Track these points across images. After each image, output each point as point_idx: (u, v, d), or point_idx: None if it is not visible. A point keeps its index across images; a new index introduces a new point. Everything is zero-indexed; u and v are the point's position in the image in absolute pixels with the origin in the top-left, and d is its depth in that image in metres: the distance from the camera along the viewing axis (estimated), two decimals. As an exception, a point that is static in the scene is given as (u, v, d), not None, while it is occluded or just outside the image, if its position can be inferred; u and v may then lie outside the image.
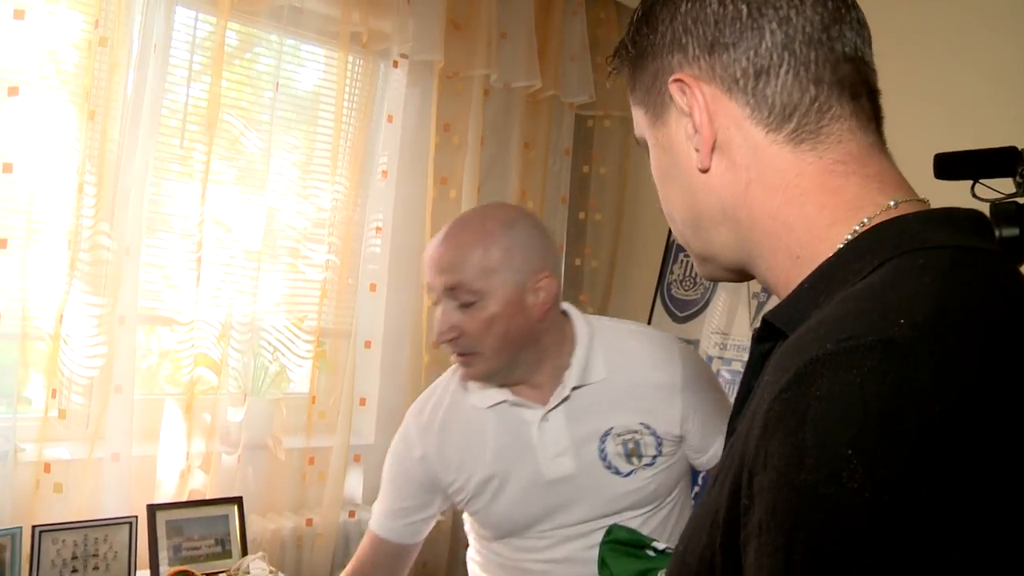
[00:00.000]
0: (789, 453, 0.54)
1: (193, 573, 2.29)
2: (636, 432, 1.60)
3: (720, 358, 3.16)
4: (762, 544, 0.54)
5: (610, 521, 1.54)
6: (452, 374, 1.72)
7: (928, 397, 0.51)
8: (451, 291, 1.53)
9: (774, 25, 0.73)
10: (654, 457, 1.60)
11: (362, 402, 2.93)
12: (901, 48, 2.58)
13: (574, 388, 1.59)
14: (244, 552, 2.47)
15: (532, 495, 1.60)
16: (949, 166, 1.72)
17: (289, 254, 2.85)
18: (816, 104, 0.73)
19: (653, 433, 1.60)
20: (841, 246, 0.69)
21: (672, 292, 3.40)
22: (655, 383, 1.62)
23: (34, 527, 2.19)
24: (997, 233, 1.60)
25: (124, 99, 2.40)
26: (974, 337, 0.55)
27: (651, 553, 1.41)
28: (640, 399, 1.61)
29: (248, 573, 2.38)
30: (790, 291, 0.73)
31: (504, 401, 1.61)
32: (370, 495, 2.95)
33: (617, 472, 1.59)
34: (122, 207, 2.40)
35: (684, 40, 0.78)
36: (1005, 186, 1.65)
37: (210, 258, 2.59)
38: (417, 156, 3.06)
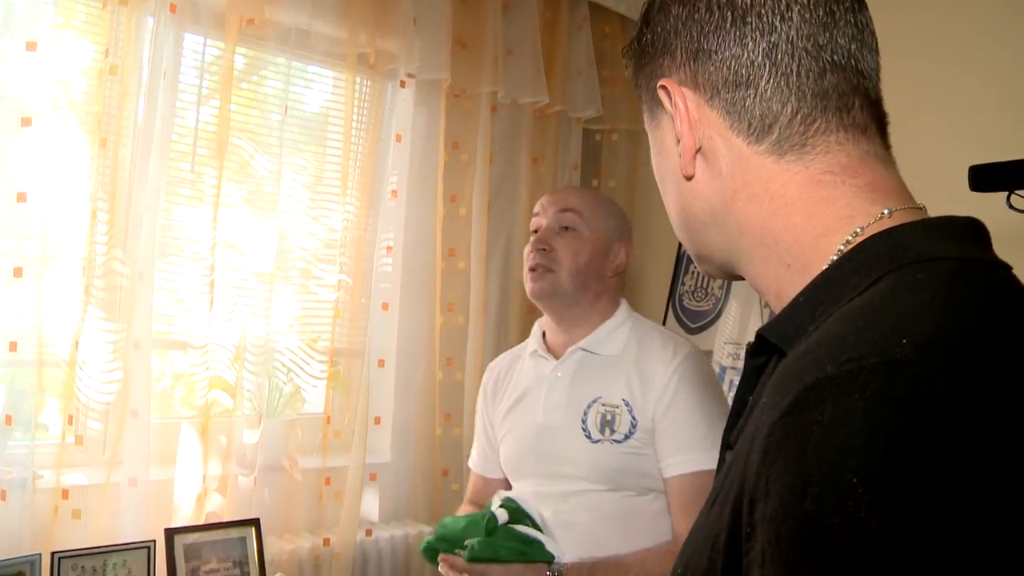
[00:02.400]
0: (792, 482, 0.52)
1: (212, 596, 2.30)
2: (616, 407, 1.75)
3: (733, 368, 3.15)
4: (765, 574, 0.53)
5: (568, 487, 1.73)
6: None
7: (934, 421, 0.49)
8: (562, 212, 1.79)
9: (757, 34, 0.72)
10: (625, 436, 1.73)
11: (377, 421, 2.93)
12: (934, 59, 2.57)
13: (582, 349, 1.78)
14: (262, 574, 2.47)
15: (527, 436, 1.83)
16: (984, 177, 1.72)
17: (301, 275, 2.86)
18: (799, 116, 0.71)
19: (631, 412, 1.74)
20: (835, 257, 0.68)
21: (684, 303, 3.40)
22: (650, 372, 1.76)
23: (53, 553, 2.19)
24: None
25: (135, 126, 2.41)
26: (978, 356, 0.53)
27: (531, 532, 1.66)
28: (633, 381, 1.76)
29: (267, 595, 2.38)
30: (781, 300, 0.72)
31: (536, 351, 1.87)
32: (387, 514, 2.96)
33: (588, 436, 1.75)
34: (135, 232, 2.42)
35: (673, 44, 0.77)
36: None
37: (223, 281, 2.60)
38: (426, 175, 3.07)
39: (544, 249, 1.77)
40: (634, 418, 1.73)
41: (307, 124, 2.91)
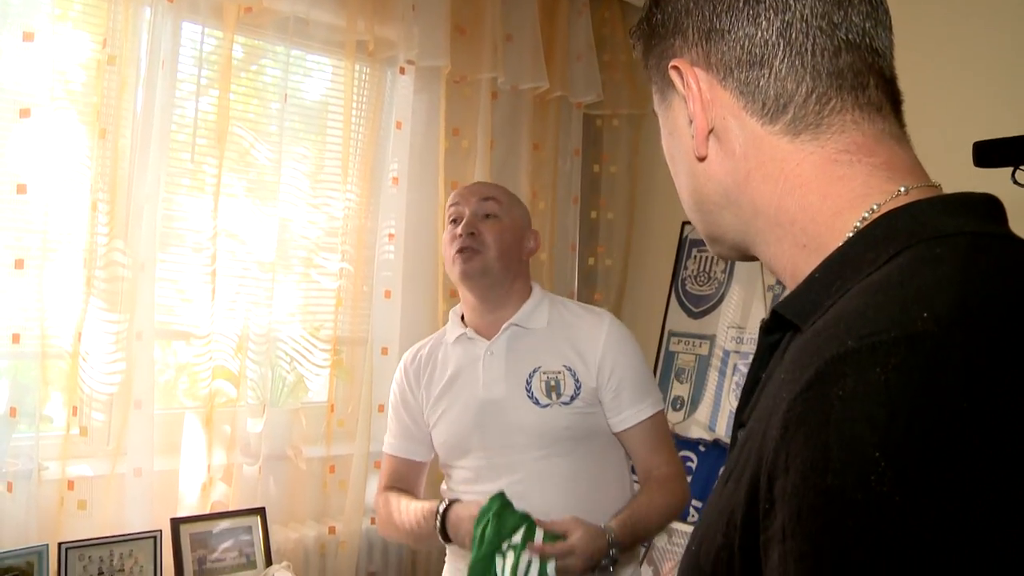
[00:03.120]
0: (813, 456, 0.52)
1: (218, 585, 2.31)
2: (559, 373, 1.88)
3: (737, 352, 3.15)
4: (787, 550, 0.53)
5: (528, 456, 1.84)
6: (440, 331, 2.10)
7: (957, 394, 0.49)
8: (484, 201, 1.92)
9: (771, 13, 0.71)
10: (571, 398, 1.86)
11: (380, 409, 2.92)
12: (940, 37, 2.57)
13: (514, 325, 1.91)
14: (268, 562, 2.49)
15: (468, 413, 1.91)
16: (989, 153, 1.72)
17: (303, 264, 2.86)
18: (814, 95, 0.71)
19: (574, 376, 1.87)
20: (851, 235, 0.67)
21: (687, 288, 3.40)
22: (583, 338, 1.91)
23: (60, 544, 2.20)
24: None
25: (134, 116, 2.41)
26: (999, 328, 0.53)
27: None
28: (568, 349, 1.90)
29: (273, 583, 2.39)
30: (797, 279, 0.71)
31: (463, 334, 1.96)
32: (392, 501, 2.96)
33: (536, 403, 1.86)
34: (136, 223, 2.42)
35: (685, 24, 0.76)
36: None
37: (224, 271, 2.60)
38: (427, 161, 3.06)
39: (472, 233, 1.88)
40: (578, 381, 1.87)
41: (307, 112, 2.90)
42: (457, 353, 1.97)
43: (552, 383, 1.88)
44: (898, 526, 0.48)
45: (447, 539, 1.82)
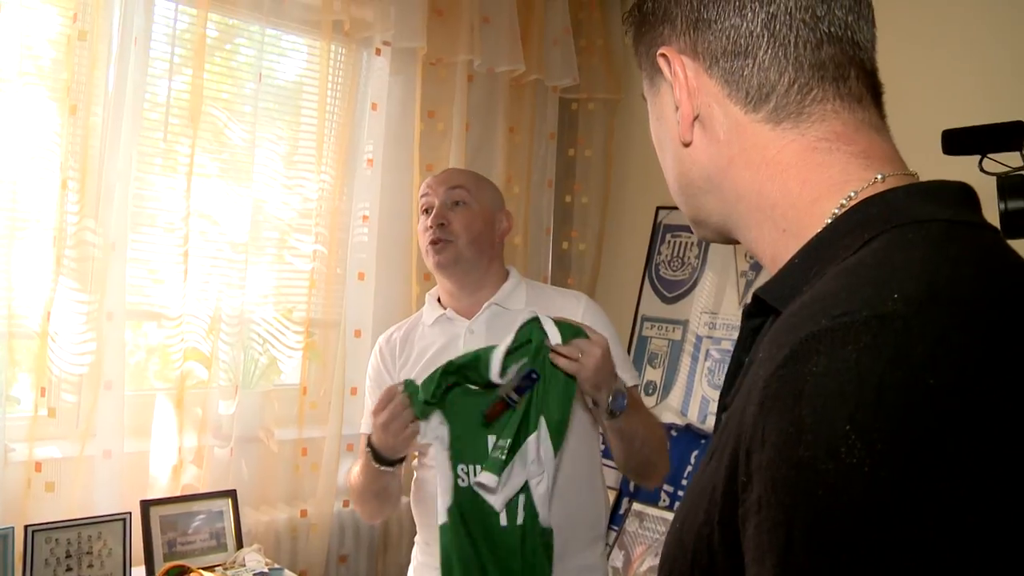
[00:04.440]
0: (787, 430, 0.54)
1: (188, 568, 2.29)
2: None
3: (709, 337, 3.17)
4: (762, 520, 0.55)
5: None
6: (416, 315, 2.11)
7: (923, 371, 0.52)
8: (452, 189, 1.95)
9: (756, 5, 0.73)
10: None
11: (353, 391, 2.92)
12: (909, 27, 2.59)
13: (493, 304, 1.94)
14: (239, 545, 2.48)
15: None
16: (957, 142, 1.74)
17: (276, 245, 2.84)
18: (796, 85, 0.73)
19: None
20: (829, 221, 0.69)
21: (660, 273, 3.41)
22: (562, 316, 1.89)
23: (27, 527, 2.18)
24: (1003, 206, 1.61)
25: (105, 94, 2.37)
26: (967, 309, 0.55)
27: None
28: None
29: (244, 566, 2.38)
30: (777, 263, 0.73)
31: (443, 314, 1.98)
32: (364, 484, 2.96)
33: None
34: (107, 202, 2.39)
35: (674, 12, 0.78)
36: (1013, 160, 1.66)
37: (197, 252, 2.57)
38: (402, 144, 3.04)
39: (442, 224, 1.92)
40: None
41: (282, 93, 2.87)
42: (435, 333, 1.99)
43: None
44: (866, 496, 0.50)
45: (380, 459, 1.77)
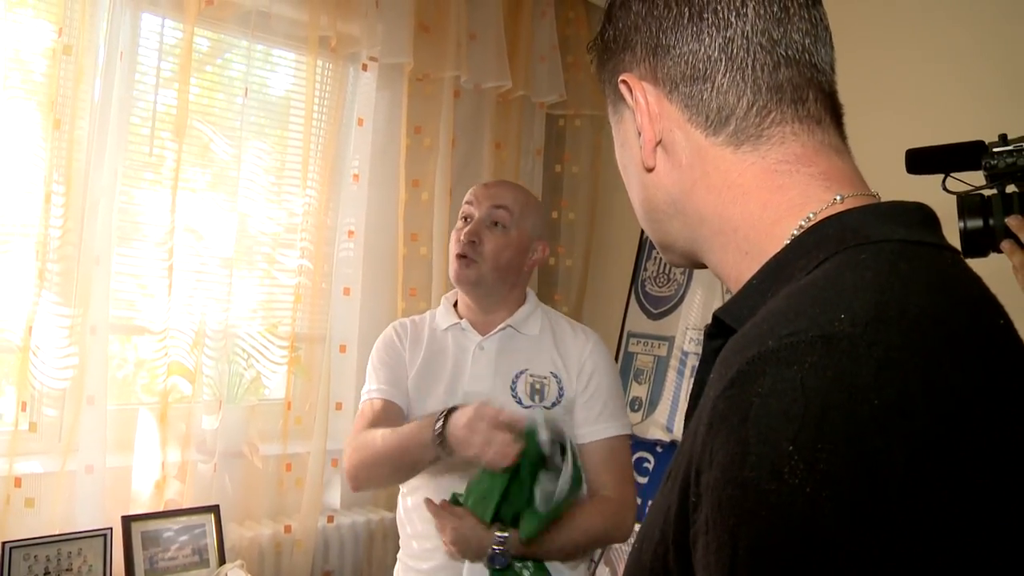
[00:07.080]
0: (733, 450, 0.54)
1: (171, 584, 2.27)
2: (545, 378, 1.92)
3: (695, 353, 3.17)
4: (709, 540, 0.55)
5: None
6: (428, 314, 2.09)
7: (866, 391, 0.51)
8: (495, 208, 1.92)
9: (713, 30, 0.74)
10: (552, 404, 1.89)
11: (338, 407, 2.91)
12: (871, 47, 2.61)
13: (508, 326, 1.94)
14: (222, 561, 2.46)
15: (450, 399, 1.86)
16: (920, 161, 1.74)
17: (262, 260, 2.83)
18: (755, 108, 0.73)
19: (559, 383, 1.91)
20: (788, 242, 0.70)
21: (646, 289, 3.41)
22: (570, 347, 1.96)
23: (4, 543, 2.16)
24: (962, 224, 1.62)
25: (91, 107, 2.37)
26: (914, 329, 0.55)
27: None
28: (556, 356, 1.94)
29: (226, 582, 2.36)
30: (740, 286, 0.73)
31: (457, 324, 1.97)
32: (348, 500, 2.94)
33: (519, 402, 1.88)
34: (91, 216, 2.38)
35: (634, 39, 0.78)
36: (975, 179, 1.67)
37: (182, 266, 2.56)
38: (388, 159, 3.05)
39: (474, 242, 1.90)
40: (561, 389, 1.91)
41: (268, 108, 2.87)
42: (447, 340, 1.98)
43: (537, 386, 1.91)
44: (808, 516, 0.50)
45: (444, 446, 1.68)
